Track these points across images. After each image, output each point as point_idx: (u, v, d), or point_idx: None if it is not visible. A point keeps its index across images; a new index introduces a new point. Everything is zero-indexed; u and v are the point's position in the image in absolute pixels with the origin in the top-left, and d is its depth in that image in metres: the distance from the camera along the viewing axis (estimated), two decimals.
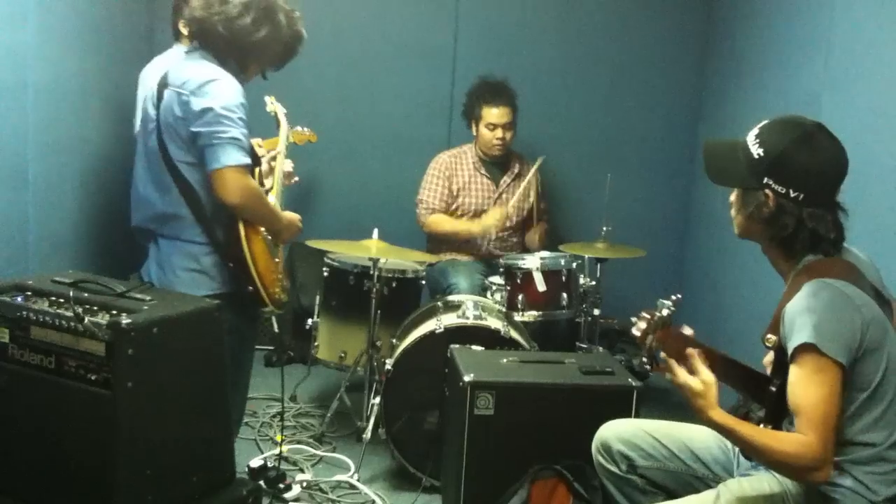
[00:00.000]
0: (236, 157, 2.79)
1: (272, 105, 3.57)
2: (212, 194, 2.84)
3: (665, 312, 2.06)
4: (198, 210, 2.88)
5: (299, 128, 4.48)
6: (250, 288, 2.89)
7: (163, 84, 2.89)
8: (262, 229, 2.97)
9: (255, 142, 3.57)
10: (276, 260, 3.07)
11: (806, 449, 1.93)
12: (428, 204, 4.59)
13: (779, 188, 2.11)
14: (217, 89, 2.80)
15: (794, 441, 1.95)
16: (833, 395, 1.96)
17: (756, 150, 2.15)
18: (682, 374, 2.04)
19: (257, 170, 3.09)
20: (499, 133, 4.53)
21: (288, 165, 3.43)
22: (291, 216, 3.20)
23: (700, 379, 2.03)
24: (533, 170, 4.55)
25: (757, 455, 2.03)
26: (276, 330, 3.05)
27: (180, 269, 2.89)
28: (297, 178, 3.56)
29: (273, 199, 3.15)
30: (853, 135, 3.19)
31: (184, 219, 2.88)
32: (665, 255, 5.22)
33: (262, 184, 3.07)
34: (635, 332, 2.10)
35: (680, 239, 5.33)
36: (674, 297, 2.08)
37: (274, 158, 3.37)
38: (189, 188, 2.86)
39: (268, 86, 4.87)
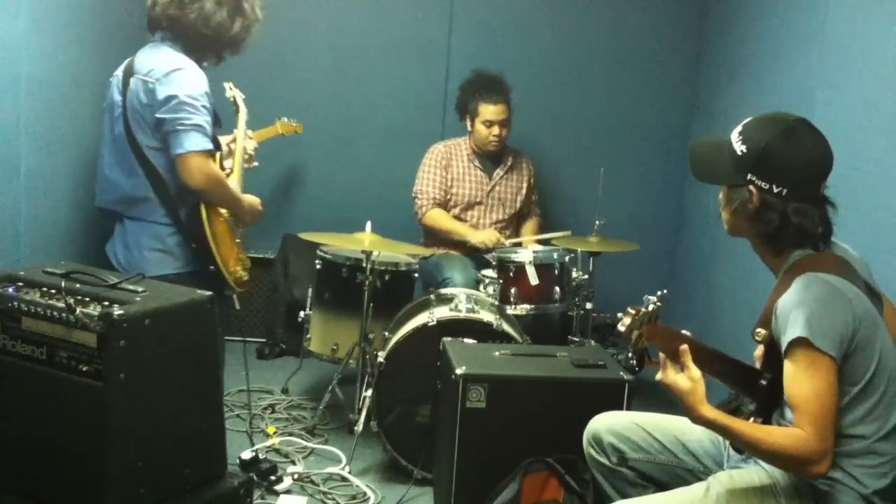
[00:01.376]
0: (199, 143, 2.96)
1: (231, 91, 3.67)
2: (176, 178, 3.01)
3: (651, 308, 2.06)
4: (163, 193, 3.05)
5: (286, 118, 4.51)
6: (212, 267, 3.05)
7: (128, 72, 3.05)
8: (224, 211, 3.13)
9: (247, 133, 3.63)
10: (238, 240, 3.23)
11: (803, 443, 1.94)
12: (427, 195, 4.57)
13: (762, 184, 2.12)
14: (182, 78, 2.98)
15: (790, 435, 1.96)
16: (829, 388, 1.97)
17: (739, 147, 2.16)
18: (670, 373, 2.05)
19: (218, 154, 3.24)
20: (495, 130, 4.53)
21: (250, 147, 3.54)
22: (252, 199, 3.33)
23: (687, 376, 2.03)
24: (557, 235, 4.51)
25: (752, 450, 2.03)
26: (237, 307, 3.13)
27: (147, 249, 3.06)
28: (256, 164, 3.62)
29: (234, 183, 3.27)
30: (847, 130, 3.21)
31: (150, 201, 3.06)
32: (658, 249, 5.23)
33: (222, 167, 3.22)
34: (620, 327, 2.09)
35: (673, 233, 5.34)
36: (659, 293, 2.08)
37: (234, 141, 3.48)
38: (154, 172, 3.03)
39: (263, 76, 4.91)
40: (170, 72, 2.97)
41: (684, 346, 2.05)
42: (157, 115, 2.95)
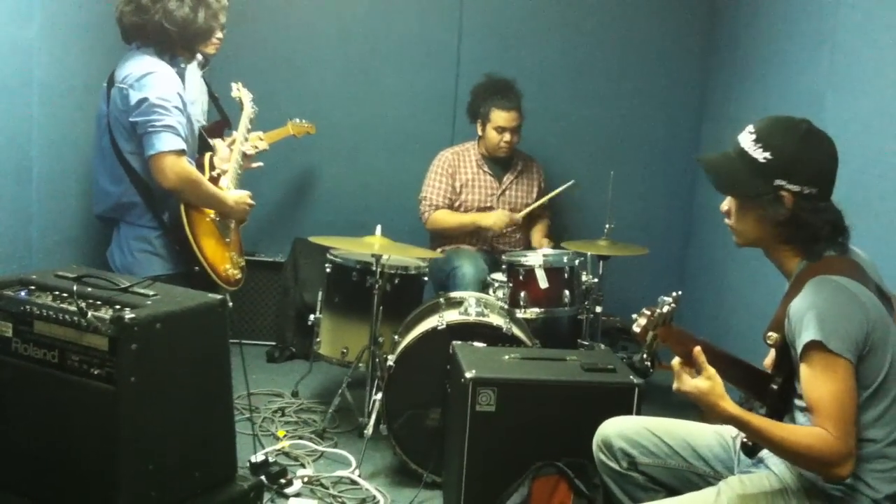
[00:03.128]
0: (171, 143, 3.02)
1: (238, 91, 3.76)
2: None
3: (665, 309, 2.06)
4: (147, 196, 3.13)
5: (298, 119, 4.54)
6: (196, 268, 3.13)
7: (110, 82, 3.14)
8: (210, 211, 3.22)
9: (257, 135, 3.70)
10: (228, 240, 3.32)
11: (826, 443, 1.93)
12: (431, 201, 4.59)
13: (793, 187, 2.10)
14: (153, 81, 3.04)
15: (814, 435, 1.95)
16: (847, 389, 1.97)
17: (761, 155, 2.13)
18: (686, 379, 2.04)
19: (208, 155, 3.36)
20: (507, 136, 4.54)
21: (248, 148, 3.63)
22: (239, 195, 3.39)
23: (704, 376, 2.03)
24: (560, 189, 4.56)
25: (774, 448, 2.01)
26: (230, 305, 3.19)
27: (137, 252, 3.15)
28: (260, 164, 3.67)
29: (226, 182, 3.35)
30: (857, 134, 3.21)
31: (138, 206, 3.14)
32: (667, 253, 5.22)
33: (213, 167, 3.32)
34: (636, 328, 2.09)
35: (682, 237, 5.33)
36: (674, 294, 2.08)
37: (234, 142, 3.57)
38: (137, 177, 3.11)
39: (274, 81, 4.93)
40: (141, 76, 3.04)
41: (698, 348, 2.05)
42: (131, 119, 3.03)
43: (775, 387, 2.13)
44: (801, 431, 1.99)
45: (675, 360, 2.08)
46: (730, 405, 2.00)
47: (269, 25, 4.99)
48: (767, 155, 2.12)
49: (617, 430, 2.48)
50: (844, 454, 1.94)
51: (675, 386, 2.06)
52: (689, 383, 2.03)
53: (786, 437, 1.97)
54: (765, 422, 2.00)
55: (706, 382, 2.01)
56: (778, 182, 2.11)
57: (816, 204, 2.11)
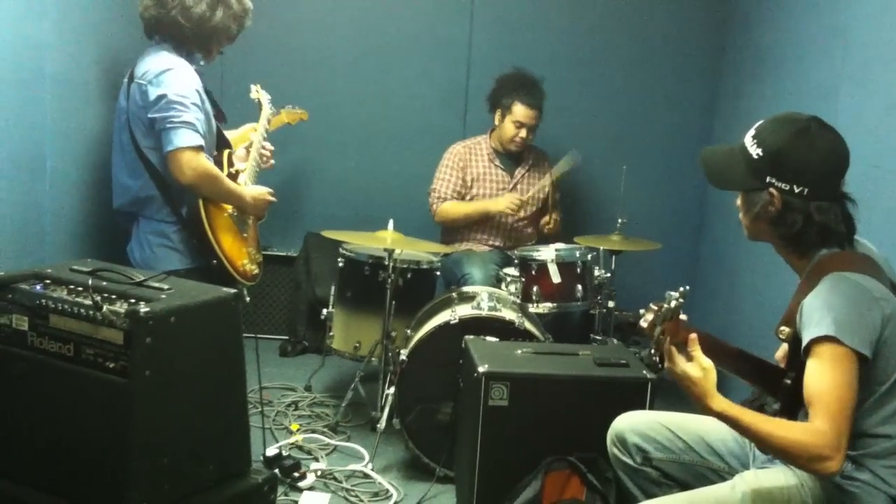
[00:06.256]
0: (188, 139, 3.05)
1: (256, 93, 3.78)
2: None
3: (673, 304, 2.05)
4: (165, 190, 3.16)
5: (290, 106, 4.49)
6: (214, 262, 3.15)
7: (130, 78, 3.17)
8: (228, 206, 3.24)
9: (251, 126, 3.72)
10: (245, 235, 3.35)
11: (815, 437, 1.91)
12: (440, 193, 4.58)
13: (782, 185, 2.10)
14: (171, 78, 3.08)
15: (803, 429, 1.94)
16: (850, 383, 1.95)
17: (755, 151, 2.14)
18: (680, 361, 2.03)
19: (226, 152, 3.36)
20: (523, 133, 4.53)
21: (267, 150, 3.65)
22: (258, 192, 3.41)
23: (698, 366, 2.02)
24: (561, 163, 4.50)
25: (763, 444, 2.00)
26: (247, 299, 3.20)
27: (156, 246, 3.19)
28: (273, 162, 3.72)
29: (243, 179, 3.38)
30: (871, 129, 3.19)
31: (156, 200, 3.17)
32: (680, 248, 5.20)
33: (231, 164, 3.33)
34: (643, 323, 2.09)
35: (695, 232, 5.31)
36: (682, 289, 2.07)
37: (251, 145, 3.60)
38: (155, 171, 3.14)
39: (285, 75, 4.93)
40: (160, 72, 3.08)
41: (693, 335, 2.04)
42: (149, 115, 3.06)
43: (788, 381, 2.11)
44: (790, 426, 1.97)
45: (667, 345, 2.07)
46: (716, 401, 1.99)
47: (281, 20, 4.99)
48: (759, 151, 2.13)
49: (631, 424, 2.49)
50: (834, 448, 1.90)
51: (666, 364, 2.05)
52: (681, 366, 2.02)
53: (773, 432, 1.94)
54: (752, 417, 1.98)
55: (698, 372, 2.00)
56: (769, 179, 2.11)
57: (807, 203, 2.09)
